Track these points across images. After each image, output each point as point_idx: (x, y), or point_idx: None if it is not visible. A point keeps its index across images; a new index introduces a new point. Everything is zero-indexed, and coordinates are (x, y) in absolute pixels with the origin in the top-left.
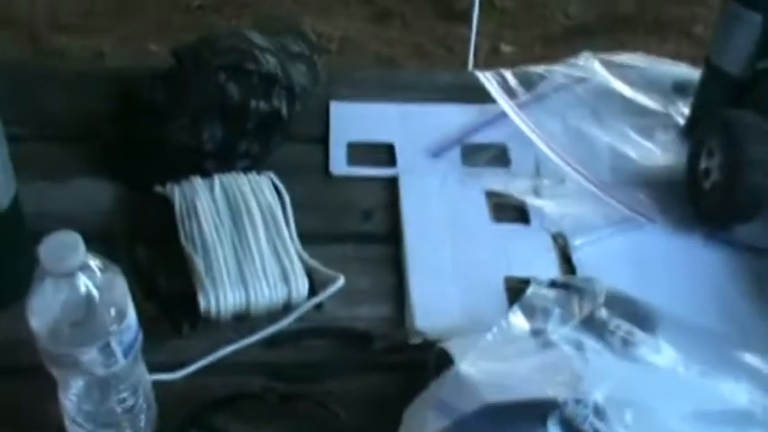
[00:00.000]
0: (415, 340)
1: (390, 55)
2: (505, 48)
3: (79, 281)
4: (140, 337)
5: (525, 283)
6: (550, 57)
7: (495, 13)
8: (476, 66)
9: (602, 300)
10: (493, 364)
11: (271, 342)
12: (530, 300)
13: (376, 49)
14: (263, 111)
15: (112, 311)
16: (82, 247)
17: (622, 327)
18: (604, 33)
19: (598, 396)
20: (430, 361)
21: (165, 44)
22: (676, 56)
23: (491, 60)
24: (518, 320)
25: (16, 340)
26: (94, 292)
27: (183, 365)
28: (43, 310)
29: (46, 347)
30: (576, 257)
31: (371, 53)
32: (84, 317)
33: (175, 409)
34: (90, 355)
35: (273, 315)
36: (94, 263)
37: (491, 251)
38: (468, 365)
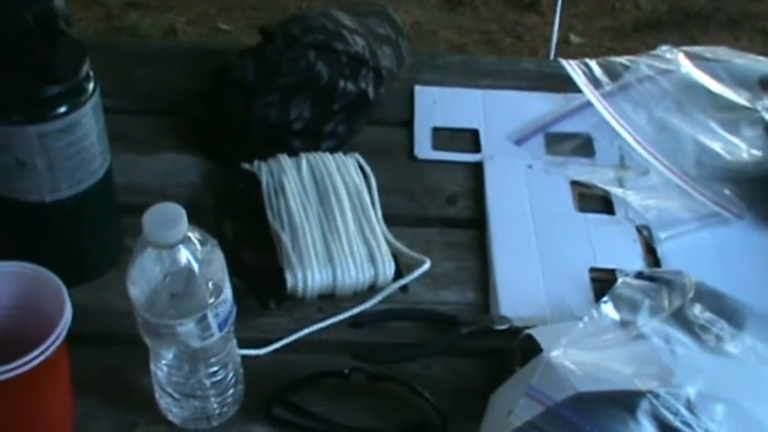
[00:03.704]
0: (501, 326)
1: (461, 42)
2: (575, 39)
3: (181, 253)
4: (234, 311)
5: (610, 273)
6: (619, 49)
7: (566, 4)
8: (546, 56)
9: (692, 294)
10: (584, 353)
11: (355, 322)
12: (619, 291)
13: (446, 36)
14: (350, 92)
15: (210, 285)
16: (185, 219)
17: (716, 323)
18: (675, 28)
19: (690, 390)
20: (515, 347)
21: (235, 23)
22: (750, 53)
23: (560, 51)
24: (608, 311)
25: (108, 309)
26: (194, 265)
27: (268, 342)
28: (143, 280)
29: (144, 317)
30: (661, 250)
31: (442, 40)
32: (184, 289)
33: (259, 384)
34: (187, 327)
35: (359, 295)
36: (194, 235)
37: (576, 241)
38: (560, 354)
